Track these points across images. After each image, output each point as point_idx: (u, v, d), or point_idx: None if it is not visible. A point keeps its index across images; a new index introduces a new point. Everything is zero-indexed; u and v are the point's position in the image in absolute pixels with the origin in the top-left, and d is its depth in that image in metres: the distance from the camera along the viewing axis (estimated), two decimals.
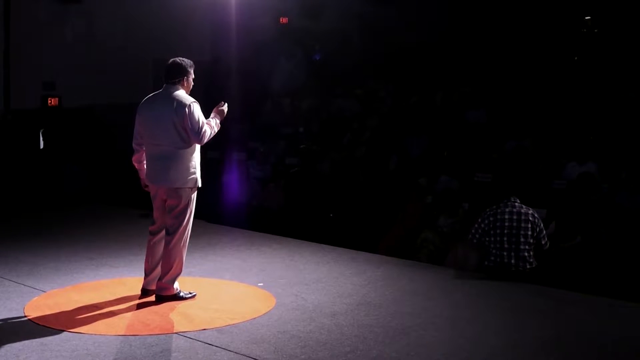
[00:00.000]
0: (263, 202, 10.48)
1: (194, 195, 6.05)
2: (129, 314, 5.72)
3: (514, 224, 7.01)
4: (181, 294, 6.04)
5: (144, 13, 14.00)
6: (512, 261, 7.00)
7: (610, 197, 8.32)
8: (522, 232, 6.99)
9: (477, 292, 6.52)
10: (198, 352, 4.89)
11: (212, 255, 7.81)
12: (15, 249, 7.87)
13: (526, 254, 7.00)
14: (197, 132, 5.84)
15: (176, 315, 5.70)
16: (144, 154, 6.08)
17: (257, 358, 4.81)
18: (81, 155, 13.01)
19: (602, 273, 6.99)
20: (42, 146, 13.00)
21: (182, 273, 6.11)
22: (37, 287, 6.44)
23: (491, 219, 7.14)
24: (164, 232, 6.04)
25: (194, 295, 6.12)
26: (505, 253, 7.03)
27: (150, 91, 6.19)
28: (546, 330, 5.48)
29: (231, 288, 6.61)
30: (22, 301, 6.01)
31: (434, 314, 5.85)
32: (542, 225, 7.08)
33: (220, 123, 6.15)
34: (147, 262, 6.15)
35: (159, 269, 6.04)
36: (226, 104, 6.27)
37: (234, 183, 10.67)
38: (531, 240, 7.02)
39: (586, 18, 13.81)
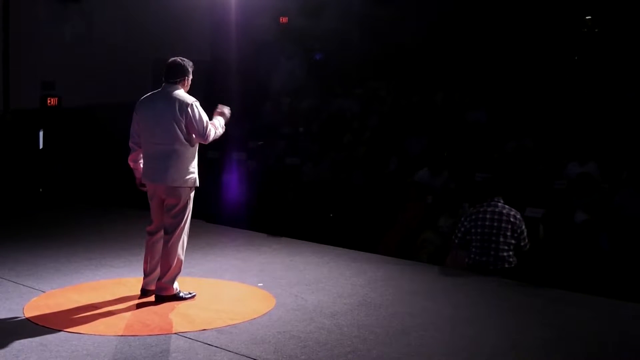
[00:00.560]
0: (263, 203, 10.46)
1: (192, 195, 6.05)
2: (128, 314, 5.70)
3: (495, 224, 7.04)
4: (181, 294, 6.03)
5: (144, 13, 14.00)
6: (491, 260, 7.04)
7: (610, 197, 8.32)
8: (502, 232, 7.02)
9: (477, 292, 6.52)
10: (198, 353, 4.88)
11: (212, 255, 7.80)
12: (14, 249, 7.85)
13: (505, 253, 7.02)
14: (203, 132, 5.85)
15: (176, 316, 5.68)
16: (141, 154, 6.07)
17: (257, 358, 4.79)
18: (75, 155, 12.97)
19: (602, 273, 6.99)
20: (41, 146, 13.00)
21: (181, 273, 6.10)
22: (37, 288, 6.43)
23: (473, 217, 7.20)
24: (162, 232, 6.03)
25: (194, 296, 6.10)
26: (484, 252, 7.08)
27: (150, 91, 6.17)
28: (546, 330, 5.47)
29: (231, 288, 6.60)
30: (22, 301, 6.00)
31: (435, 314, 5.84)
32: (523, 226, 7.09)
33: (225, 125, 6.15)
34: (146, 262, 6.13)
35: (158, 269, 6.03)
36: (228, 108, 6.25)
37: (234, 183, 10.67)
38: (512, 241, 7.03)
39: (586, 18, 13.83)
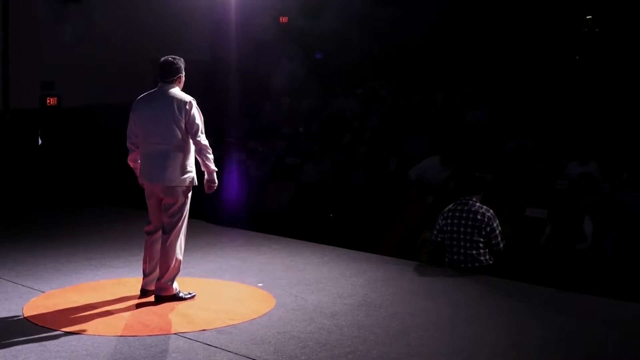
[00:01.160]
0: (263, 203, 10.46)
1: (190, 194, 6.04)
2: (128, 315, 5.70)
3: (469, 222, 7.04)
4: (180, 294, 6.02)
5: (144, 13, 14.00)
6: (462, 258, 7.07)
7: (611, 197, 8.31)
8: (469, 231, 7.03)
9: (477, 293, 6.51)
10: (197, 353, 4.88)
11: (211, 256, 7.80)
12: (14, 249, 7.85)
13: (474, 251, 7.03)
14: (195, 133, 5.87)
15: (175, 316, 5.68)
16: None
17: (256, 359, 4.79)
18: (70, 155, 12.93)
19: (603, 273, 6.98)
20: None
21: (181, 273, 6.10)
22: (36, 288, 6.43)
23: (445, 215, 7.22)
24: (160, 232, 6.02)
25: (194, 296, 6.10)
26: (455, 250, 7.11)
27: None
28: (546, 330, 5.46)
29: (231, 288, 6.59)
30: (21, 302, 6.00)
31: (435, 314, 5.83)
32: (494, 225, 7.03)
33: (213, 171, 5.94)
34: (145, 262, 6.13)
35: (157, 269, 6.03)
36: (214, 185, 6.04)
37: (233, 183, 10.66)
38: (480, 239, 7.03)
39: (587, 17, 13.83)
